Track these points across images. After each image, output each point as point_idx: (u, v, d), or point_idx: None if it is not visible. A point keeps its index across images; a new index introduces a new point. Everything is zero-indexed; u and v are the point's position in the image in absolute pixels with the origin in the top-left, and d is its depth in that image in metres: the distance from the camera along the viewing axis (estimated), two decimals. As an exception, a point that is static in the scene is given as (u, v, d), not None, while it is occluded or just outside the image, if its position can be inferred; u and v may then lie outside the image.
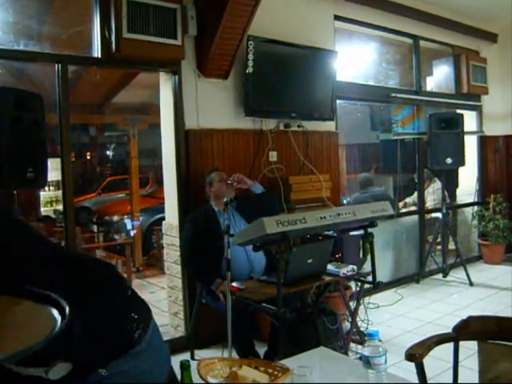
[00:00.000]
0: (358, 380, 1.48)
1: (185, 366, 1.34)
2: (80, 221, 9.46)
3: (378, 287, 3.23)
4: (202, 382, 1.49)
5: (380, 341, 4.05)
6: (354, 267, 3.45)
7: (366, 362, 1.43)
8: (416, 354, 1.81)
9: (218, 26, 3.87)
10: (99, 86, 6.48)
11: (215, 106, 4.21)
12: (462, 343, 2.01)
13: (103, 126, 11.65)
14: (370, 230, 3.23)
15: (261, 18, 4.09)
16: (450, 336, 2.01)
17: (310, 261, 3.12)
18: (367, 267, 3.70)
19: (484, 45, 7.09)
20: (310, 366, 1.44)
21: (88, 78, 5.44)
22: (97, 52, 3.67)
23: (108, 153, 15.00)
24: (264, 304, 2.97)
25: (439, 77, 6.92)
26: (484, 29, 6.92)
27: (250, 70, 4.16)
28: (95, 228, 8.67)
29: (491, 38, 7.13)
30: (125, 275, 6.27)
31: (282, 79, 4.42)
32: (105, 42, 3.62)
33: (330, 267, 3.39)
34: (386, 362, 1.43)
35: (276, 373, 1.56)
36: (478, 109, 7.09)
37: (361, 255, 3.79)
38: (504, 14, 6.50)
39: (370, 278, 3.57)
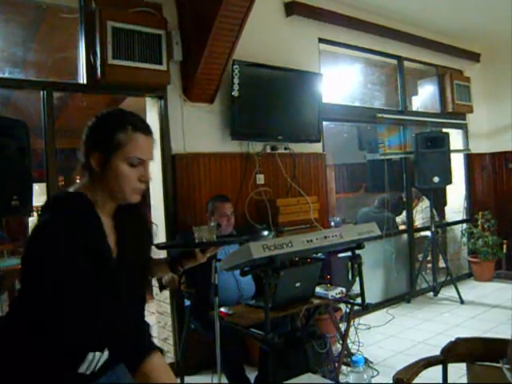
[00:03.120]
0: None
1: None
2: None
3: (367, 309, 3.21)
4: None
5: (371, 362, 4.02)
6: (343, 289, 3.43)
7: (351, 389, 1.41)
8: (404, 379, 1.80)
9: (202, 51, 3.90)
10: (87, 111, 6.48)
11: (201, 130, 4.23)
12: (451, 364, 2.00)
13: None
14: (357, 251, 3.21)
15: (245, 42, 4.14)
16: (437, 359, 2.00)
17: (298, 284, 3.10)
18: (356, 289, 3.69)
19: (467, 64, 7.20)
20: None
21: (75, 103, 5.44)
22: (82, 78, 3.68)
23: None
24: (252, 329, 2.93)
25: (424, 96, 7.01)
26: (467, 49, 7.03)
27: (235, 93, 4.19)
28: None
29: (474, 57, 7.24)
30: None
31: (267, 102, 4.45)
32: (90, 68, 3.63)
33: (319, 290, 3.37)
34: (370, 389, 1.41)
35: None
36: (463, 127, 7.17)
37: (349, 277, 3.79)
38: (486, 34, 6.65)
39: (359, 300, 3.57)
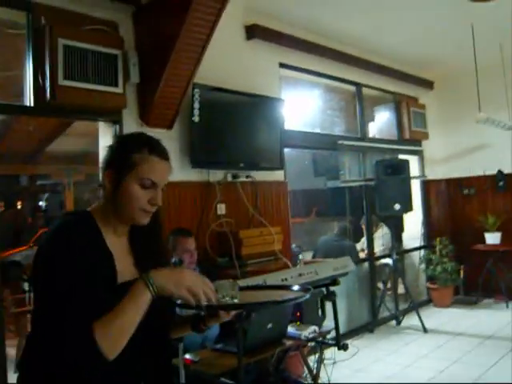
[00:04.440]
0: None
1: None
2: (9, 278, 8.73)
3: (343, 349, 3.00)
4: None
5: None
6: (316, 328, 3.22)
7: None
8: None
9: (162, 73, 3.64)
10: (31, 135, 6.08)
11: (160, 156, 3.94)
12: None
13: (35, 174, 11.05)
14: (331, 288, 3.01)
15: (205, 65, 3.91)
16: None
17: (269, 325, 2.86)
18: (327, 325, 3.48)
19: (422, 91, 7.29)
20: None
21: (19, 126, 5.05)
22: (29, 100, 3.34)
23: (41, 203, 14.25)
24: (222, 379, 2.66)
25: (380, 123, 7.00)
26: (421, 76, 7.12)
27: (195, 118, 3.95)
28: (26, 286, 8.00)
29: (428, 85, 7.34)
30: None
31: (229, 128, 4.23)
32: (38, 89, 3.30)
33: (290, 329, 3.14)
34: None
35: None
36: (419, 153, 7.20)
37: (320, 313, 3.57)
38: (438, 62, 6.75)
39: (329, 338, 3.37)
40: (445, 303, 6.82)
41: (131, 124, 3.79)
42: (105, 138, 3.90)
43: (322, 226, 8.52)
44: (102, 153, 3.92)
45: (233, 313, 1.68)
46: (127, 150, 1.54)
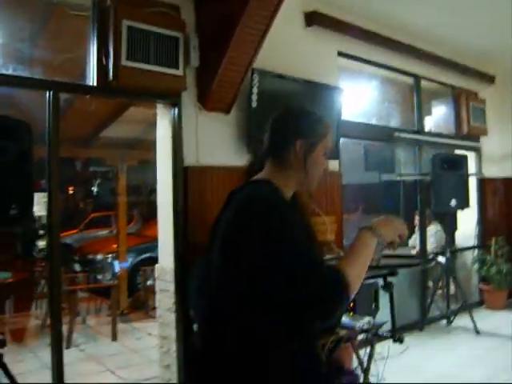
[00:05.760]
0: None
1: None
2: (61, 259, 9.01)
3: (399, 341, 2.92)
4: None
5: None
6: (371, 319, 3.15)
7: None
8: None
9: (222, 58, 3.63)
10: (88, 118, 6.21)
11: (216, 141, 3.94)
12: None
13: (89, 160, 11.33)
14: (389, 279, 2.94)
15: (265, 52, 3.87)
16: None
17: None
18: (379, 318, 3.41)
19: (482, 86, 7.02)
20: None
21: (78, 108, 5.15)
22: (92, 80, 3.39)
23: (92, 188, 14.63)
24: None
25: (438, 117, 6.80)
26: (482, 70, 6.86)
27: (253, 104, 3.93)
28: (77, 267, 8.23)
29: (489, 79, 7.06)
30: (108, 319, 5.88)
31: (285, 115, 4.18)
32: (101, 69, 3.35)
33: (345, 319, 3.08)
34: None
35: None
36: (477, 150, 6.96)
37: (373, 306, 3.50)
38: (502, 56, 6.47)
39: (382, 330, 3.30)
40: (498, 305, 6.57)
41: (190, 107, 3.80)
42: (162, 122, 3.92)
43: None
44: (160, 137, 3.96)
45: None
46: (318, 120, 1.64)
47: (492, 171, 7.07)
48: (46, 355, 3.37)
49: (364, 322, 3.09)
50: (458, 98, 6.58)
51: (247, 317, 1.41)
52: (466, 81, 6.67)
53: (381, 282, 3.14)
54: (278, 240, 1.39)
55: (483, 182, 7.05)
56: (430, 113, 6.77)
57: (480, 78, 6.88)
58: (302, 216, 1.64)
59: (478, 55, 6.48)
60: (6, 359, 2.77)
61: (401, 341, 2.92)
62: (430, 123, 6.77)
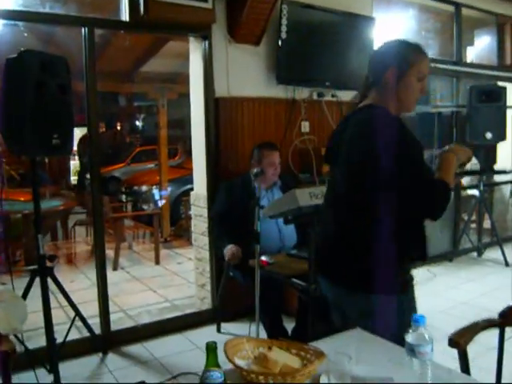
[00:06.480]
0: (399, 368, 1.35)
1: (211, 348, 1.23)
2: (109, 190, 9.51)
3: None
4: (229, 363, 1.38)
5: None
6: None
7: (410, 349, 1.30)
8: (461, 342, 1.68)
9: (251, -11, 3.68)
10: (127, 54, 6.37)
11: (246, 73, 4.05)
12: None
13: (132, 95, 11.57)
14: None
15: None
16: (495, 322, 1.86)
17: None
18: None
19: (530, 13, 6.69)
20: (344, 350, 1.32)
21: (116, 43, 5.31)
22: (124, 15, 3.53)
23: (137, 123, 14.98)
24: (294, 279, 2.85)
25: (481, 47, 6.59)
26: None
27: (283, 35, 3.98)
28: (124, 198, 8.68)
29: (538, 6, 6.72)
30: (153, 246, 6.27)
31: (316, 46, 4.22)
32: (133, 4, 3.47)
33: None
34: (432, 350, 1.30)
35: (309, 356, 1.45)
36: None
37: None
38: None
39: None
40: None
41: (220, 39, 3.90)
42: (195, 55, 4.05)
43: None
44: (193, 70, 4.10)
45: None
46: (409, 50, 1.85)
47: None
48: (94, 276, 3.72)
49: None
50: (502, 27, 6.33)
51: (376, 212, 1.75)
52: (511, 8, 6.38)
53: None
54: (405, 143, 1.71)
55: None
56: (472, 43, 6.56)
57: (528, 4, 6.55)
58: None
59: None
60: (60, 278, 3.10)
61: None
62: (471, 54, 6.57)
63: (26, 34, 4.19)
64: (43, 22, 3.59)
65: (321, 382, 1.34)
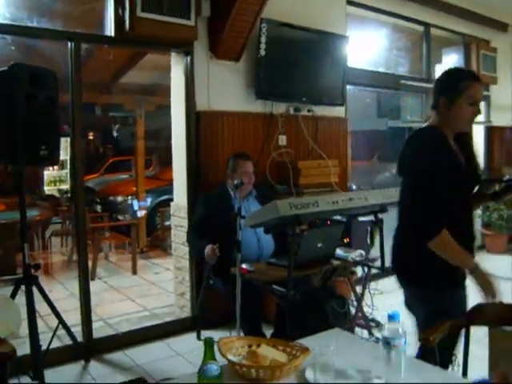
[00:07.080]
0: (376, 360, 1.50)
1: (208, 344, 1.36)
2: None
3: (386, 272, 3.25)
4: (223, 359, 1.51)
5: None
6: (363, 252, 3.47)
7: (386, 343, 1.44)
8: (430, 338, 1.84)
9: (231, 8, 3.84)
10: (107, 66, 6.44)
11: (227, 88, 4.20)
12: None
13: (108, 105, 11.57)
14: (379, 215, 3.23)
15: (273, 1, 4.06)
16: (461, 322, 2.03)
17: (319, 245, 3.13)
18: (374, 253, 3.72)
19: (494, 34, 7.03)
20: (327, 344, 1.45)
21: (97, 56, 5.40)
22: (110, 30, 3.65)
23: (112, 133, 14.93)
24: (274, 286, 2.99)
25: (448, 65, 6.87)
26: (495, 18, 6.86)
27: (262, 52, 4.14)
28: (99, 208, 8.68)
29: (502, 27, 7.06)
30: (130, 256, 6.32)
31: (293, 63, 4.40)
32: (118, 20, 3.59)
33: (339, 252, 3.41)
34: (405, 343, 1.45)
35: (295, 352, 1.58)
36: (486, 98, 7.05)
37: (368, 241, 3.82)
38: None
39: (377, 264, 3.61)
40: (498, 250, 6.84)
41: (201, 55, 4.05)
42: (176, 69, 4.18)
43: (380, 169, 8.58)
44: (174, 84, 4.22)
45: None
46: (456, 79, 2.11)
47: (500, 120, 7.19)
48: (72, 286, 3.76)
49: (357, 254, 3.42)
50: (469, 46, 6.64)
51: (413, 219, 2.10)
52: (477, 29, 6.70)
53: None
54: (432, 171, 2.00)
55: (491, 130, 7.18)
56: (440, 61, 6.85)
57: (492, 25, 6.89)
58: (461, 152, 2.16)
59: (491, 3, 6.48)
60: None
61: (386, 271, 3.24)
62: (440, 71, 6.84)
63: (13, 48, 4.25)
64: (32, 37, 3.68)
65: (306, 374, 1.48)
